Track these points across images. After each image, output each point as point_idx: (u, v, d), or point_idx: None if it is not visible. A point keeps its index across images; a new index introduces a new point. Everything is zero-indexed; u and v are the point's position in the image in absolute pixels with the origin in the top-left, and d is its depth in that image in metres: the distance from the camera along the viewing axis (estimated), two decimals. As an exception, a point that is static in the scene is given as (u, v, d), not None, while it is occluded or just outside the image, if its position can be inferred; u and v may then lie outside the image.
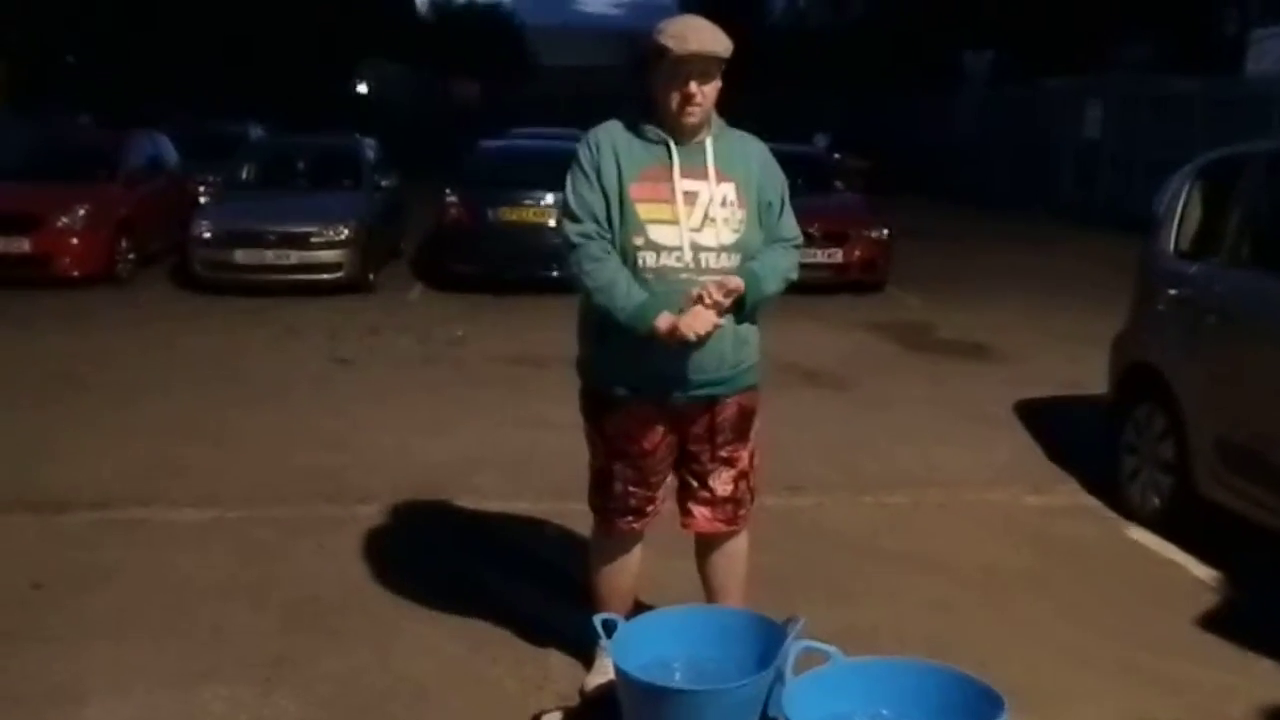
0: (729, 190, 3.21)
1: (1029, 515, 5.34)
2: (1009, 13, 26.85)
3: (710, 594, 3.58)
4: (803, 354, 8.48)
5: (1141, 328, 5.59)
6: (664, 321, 3.07)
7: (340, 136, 14.96)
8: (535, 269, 10.93)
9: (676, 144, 3.20)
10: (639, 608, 3.56)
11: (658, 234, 3.15)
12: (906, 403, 7.41)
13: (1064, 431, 6.63)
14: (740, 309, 3.20)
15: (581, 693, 3.49)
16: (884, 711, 2.89)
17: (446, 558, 4.65)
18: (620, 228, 3.17)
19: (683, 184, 3.18)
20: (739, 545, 3.54)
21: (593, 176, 3.19)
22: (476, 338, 9.37)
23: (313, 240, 11.26)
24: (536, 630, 3.89)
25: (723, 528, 3.46)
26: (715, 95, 3.20)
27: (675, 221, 3.16)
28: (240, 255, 11.20)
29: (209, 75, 27.98)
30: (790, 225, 3.38)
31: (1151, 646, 3.93)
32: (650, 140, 3.22)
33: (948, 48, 28.25)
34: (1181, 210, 5.41)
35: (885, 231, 12.15)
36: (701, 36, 3.12)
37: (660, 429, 3.30)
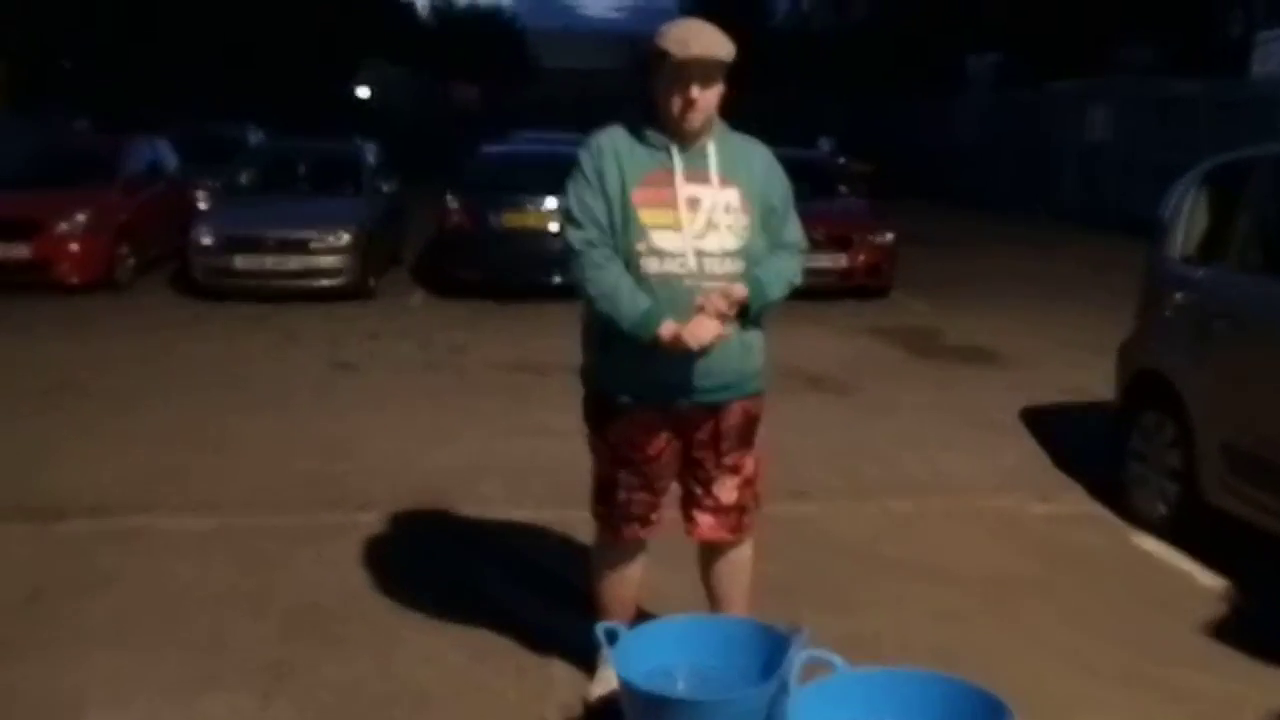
0: (732, 195, 3.19)
1: (1035, 522, 5.31)
2: (1013, 16, 26.81)
3: (714, 602, 3.55)
4: (807, 359, 8.46)
5: (1148, 334, 5.56)
6: (667, 330, 3.05)
7: (340, 141, 14.92)
8: (537, 274, 10.90)
9: (679, 149, 3.18)
10: (642, 616, 3.54)
11: (660, 240, 3.13)
12: (911, 408, 7.38)
13: (1070, 438, 6.60)
14: (744, 315, 3.17)
15: (584, 702, 3.46)
16: (889, 721, 2.86)
17: (448, 565, 4.62)
18: (623, 233, 3.15)
19: (685, 189, 3.16)
20: (743, 553, 3.51)
21: (594, 182, 3.17)
22: (478, 344, 9.34)
23: (313, 246, 11.21)
24: (539, 639, 3.86)
25: (727, 535, 3.43)
26: (718, 99, 3.18)
27: (678, 227, 3.14)
28: (240, 261, 11.16)
29: (209, 79, 27.96)
30: (794, 230, 3.36)
31: (1158, 655, 3.90)
32: (652, 145, 3.19)
33: (951, 51, 28.23)
34: (1188, 214, 5.38)
35: (890, 236, 12.11)
36: (703, 40, 3.10)
37: (664, 436, 3.28)
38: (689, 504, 3.43)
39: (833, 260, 11.43)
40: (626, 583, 3.50)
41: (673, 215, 3.14)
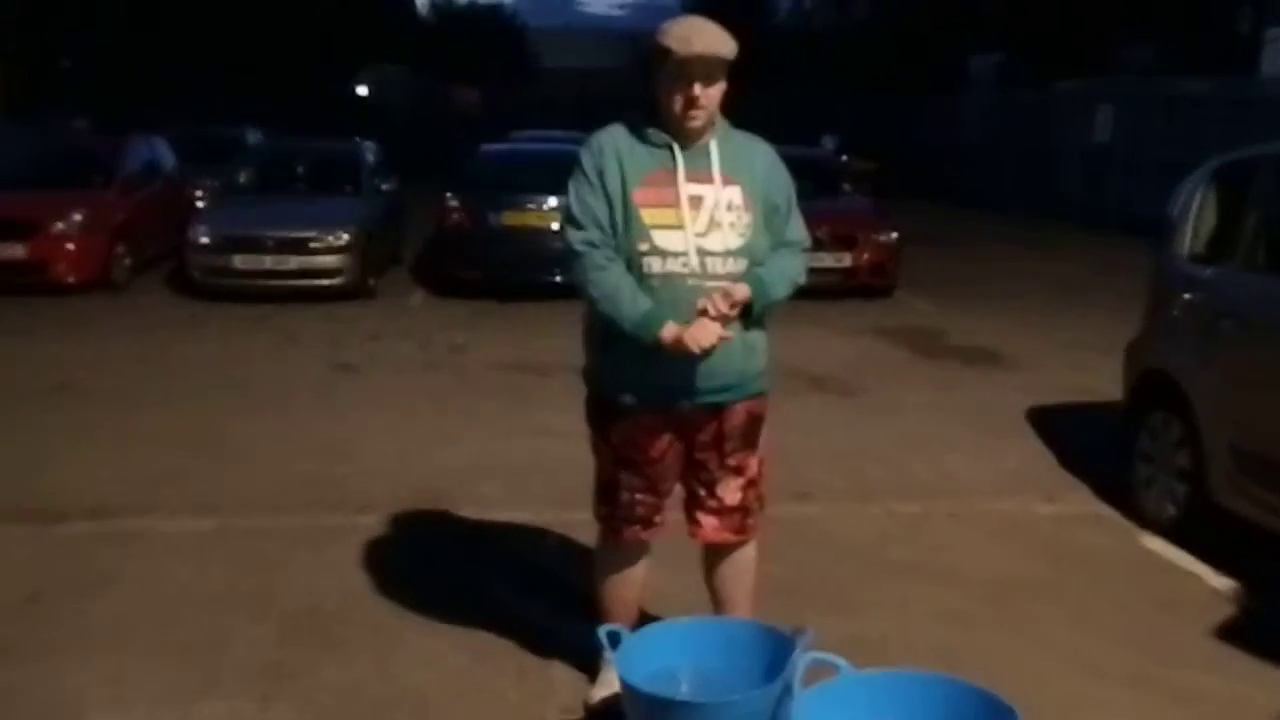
0: (735, 194, 3.16)
1: (1041, 524, 5.28)
2: (1016, 15, 26.77)
3: (717, 604, 3.53)
4: (810, 359, 8.43)
5: (1155, 334, 5.52)
6: (669, 332, 3.03)
7: (340, 140, 14.89)
8: (538, 274, 10.86)
9: (681, 147, 3.15)
10: (644, 618, 3.51)
11: (663, 239, 3.10)
12: (915, 409, 7.35)
13: (1076, 438, 6.57)
14: (747, 315, 3.14)
15: (586, 705, 3.44)
16: (893, 724, 2.84)
17: (448, 567, 4.60)
18: (624, 233, 3.12)
19: (687, 188, 3.13)
20: (747, 555, 3.48)
21: (595, 182, 3.14)
22: (478, 344, 9.32)
23: (312, 245, 11.18)
24: (540, 641, 3.84)
25: (731, 537, 3.41)
26: (720, 97, 3.15)
27: (680, 226, 3.11)
28: (239, 261, 11.12)
29: (207, 78, 27.95)
30: (798, 228, 3.33)
31: (1165, 657, 3.87)
32: (654, 144, 3.17)
33: (954, 50, 28.20)
34: (1195, 214, 5.34)
35: (894, 235, 12.06)
36: (705, 38, 3.07)
37: (667, 437, 3.25)
38: (692, 505, 3.41)
39: (836, 260, 11.38)
40: (629, 584, 3.47)
41: (675, 214, 3.11)
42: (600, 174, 3.14)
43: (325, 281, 11.20)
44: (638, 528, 3.35)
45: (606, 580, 3.47)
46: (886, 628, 4.03)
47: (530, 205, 11.43)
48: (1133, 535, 5.13)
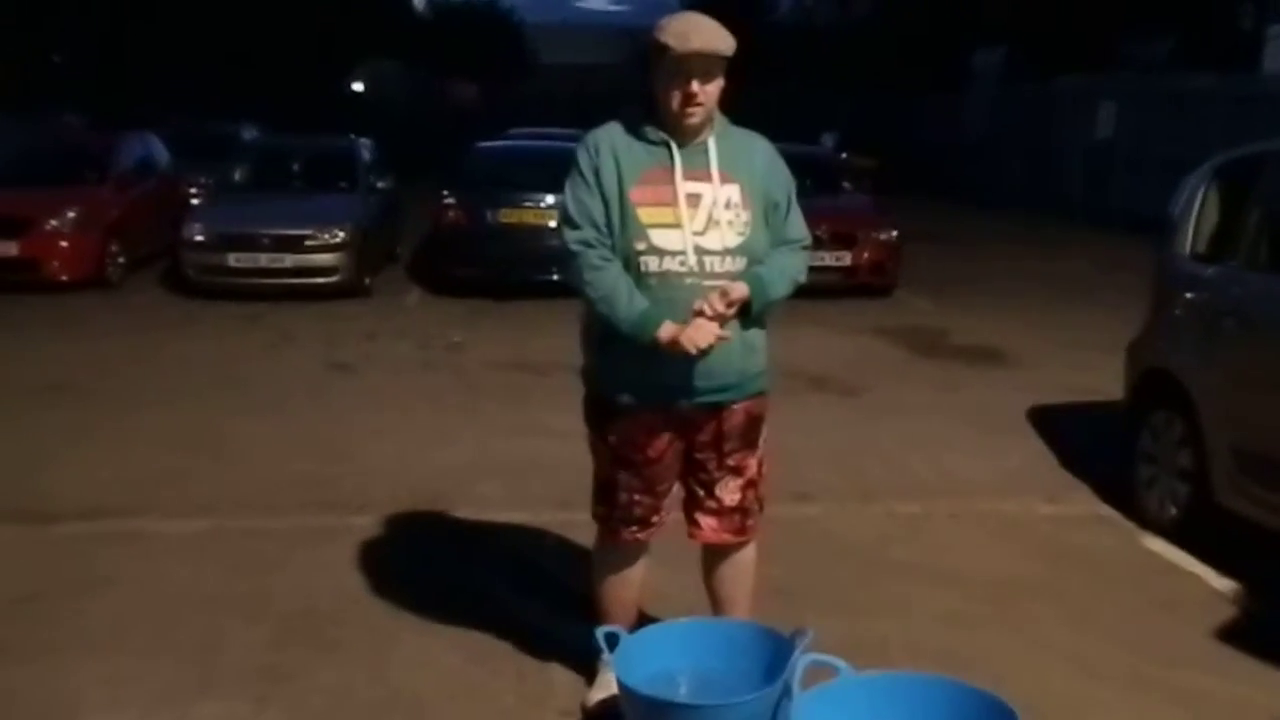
0: (733, 191, 3.13)
1: (1042, 524, 5.26)
2: (1018, 10, 26.72)
3: (717, 606, 3.51)
4: (810, 359, 8.40)
5: (1157, 333, 5.50)
6: (666, 332, 3.00)
7: (335, 137, 14.79)
8: (535, 272, 10.83)
9: (678, 145, 3.12)
10: (643, 619, 3.50)
11: (660, 238, 3.07)
12: (916, 409, 7.32)
13: (1078, 438, 6.55)
14: (746, 314, 3.12)
15: (584, 707, 3.42)
16: (894, 726, 2.84)
17: (445, 568, 4.58)
18: (621, 232, 3.09)
19: (685, 186, 3.10)
20: (746, 556, 3.46)
21: (591, 180, 3.11)
22: (475, 343, 9.29)
23: (307, 243, 11.13)
24: (538, 643, 3.82)
25: (730, 538, 3.38)
26: (718, 94, 3.12)
27: (678, 225, 3.08)
28: (233, 259, 11.06)
29: (202, 74, 27.89)
30: (798, 226, 3.30)
31: (1167, 659, 3.85)
32: (651, 141, 3.14)
33: (955, 46, 28.16)
34: (1198, 211, 5.32)
35: (894, 233, 12.02)
36: (704, 34, 3.04)
37: (666, 437, 3.23)
38: (691, 506, 3.38)
39: (836, 258, 11.34)
40: (627, 585, 3.45)
41: (672, 213, 3.08)
42: (596, 173, 3.11)
43: (321, 280, 11.16)
44: (635, 528, 3.33)
45: (605, 581, 3.45)
46: (886, 628, 4.01)
47: (527, 203, 11.40)
48: (1134, 535, 5.11)
